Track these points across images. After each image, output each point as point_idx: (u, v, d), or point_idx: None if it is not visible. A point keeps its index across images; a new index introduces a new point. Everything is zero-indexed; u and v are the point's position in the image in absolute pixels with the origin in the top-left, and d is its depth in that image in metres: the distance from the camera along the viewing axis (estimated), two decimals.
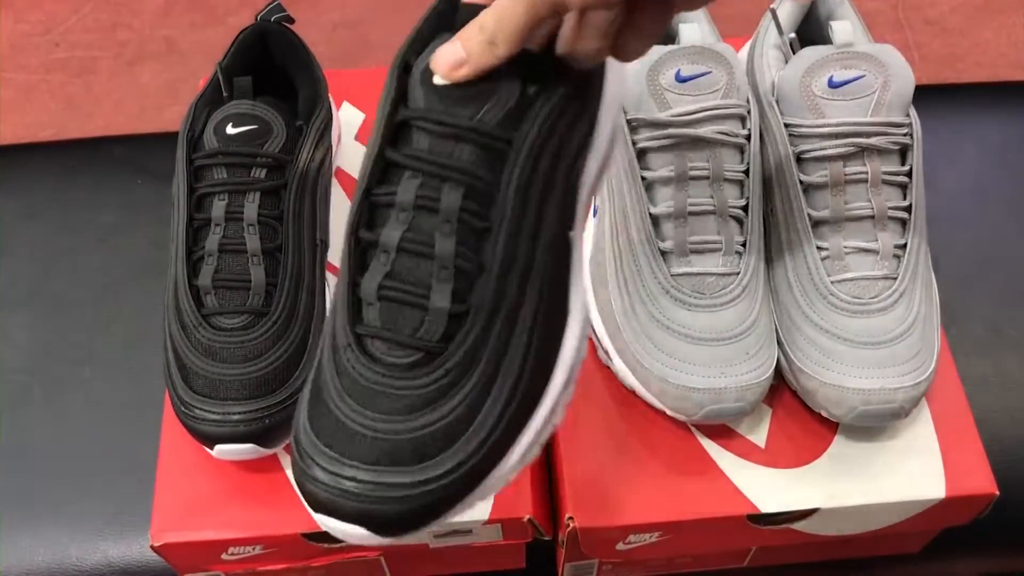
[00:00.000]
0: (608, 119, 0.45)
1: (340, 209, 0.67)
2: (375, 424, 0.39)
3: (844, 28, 0.60)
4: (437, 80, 0.41)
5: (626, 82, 0.50)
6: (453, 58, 0.40)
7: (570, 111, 0.42)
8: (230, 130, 0.58)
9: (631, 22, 0.38)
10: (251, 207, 0.57)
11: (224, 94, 0.61)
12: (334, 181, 0.67)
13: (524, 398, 0.41)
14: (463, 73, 0.40)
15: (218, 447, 0.54)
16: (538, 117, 0.41)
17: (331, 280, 0.64)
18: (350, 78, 0.74)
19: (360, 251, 0.42)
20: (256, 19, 0.63)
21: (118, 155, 0.80)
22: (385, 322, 0.41)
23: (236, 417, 0.53)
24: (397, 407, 0.39)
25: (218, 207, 0.57)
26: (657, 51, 0.59)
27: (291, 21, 0.63)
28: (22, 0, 1.47)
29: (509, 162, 0.41)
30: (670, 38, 0.65)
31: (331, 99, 0.67)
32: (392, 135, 0.42)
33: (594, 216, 0.61)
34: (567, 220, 0.43)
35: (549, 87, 0.42)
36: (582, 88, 0.43)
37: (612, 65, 0.45)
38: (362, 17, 1.43)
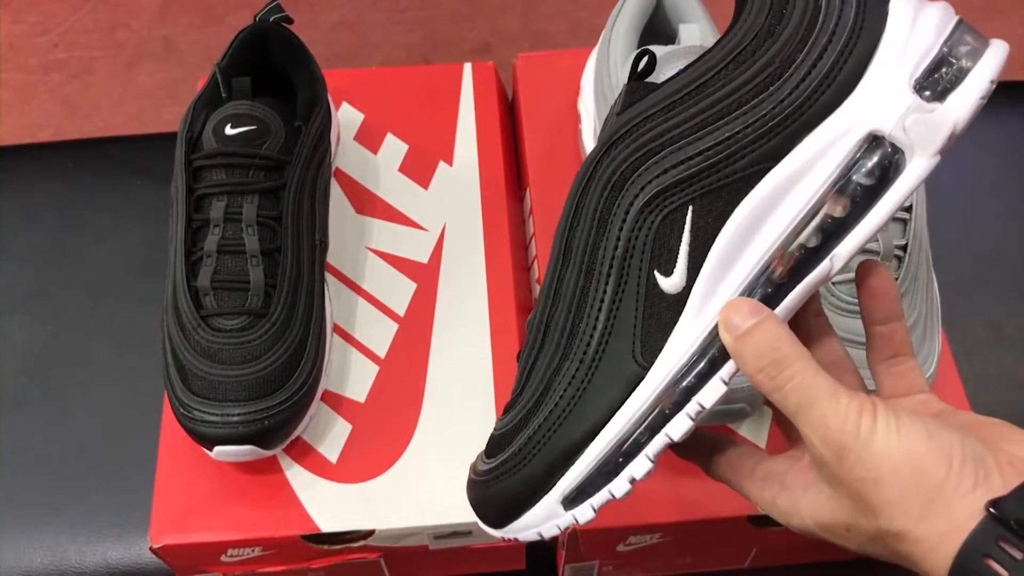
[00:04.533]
0: None
1: (339, 210, 0.67)
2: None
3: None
4: (726, 338, 0.38)
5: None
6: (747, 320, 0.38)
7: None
8: (229, 131, 0.58)
9: None
10: (250, 208, 0.57)
11: (223, 95, 0.60)
12: (333, 181, 0.67)
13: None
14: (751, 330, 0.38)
15: (217, 448, 0.54)
16: (597, 141, 0.41)
17: (330, 281, 0.64)
18: (349, 78, 0.73)
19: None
20: (255, 19, 0.62)
21: (116, 156, 0.80)
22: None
23: (235, 419, 0.53)
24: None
25: (217, 208, 0.57)
26: (656, 51, 0.59)
27: (290, 21, 0.63)
28: (20, 1, 1.47)
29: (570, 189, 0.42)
30: (670, 38, 0.65)
31: (330, 99, 0.66)
32: None
33: None
34: None
35: None
36: None
37: None
38: (362, 17, 1.43)
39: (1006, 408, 0.67)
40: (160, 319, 0.57)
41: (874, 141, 0.36)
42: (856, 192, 0.37)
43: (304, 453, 0.58)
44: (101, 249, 0.74)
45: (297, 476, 0.57)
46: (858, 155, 0.37)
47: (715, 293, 0.38)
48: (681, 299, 0.39)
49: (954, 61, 0.36)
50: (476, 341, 0.62)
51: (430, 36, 1.41)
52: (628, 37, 0.65)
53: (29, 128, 1.35)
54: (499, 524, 0.41)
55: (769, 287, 0.38)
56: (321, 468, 0.57)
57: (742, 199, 0.38)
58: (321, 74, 0.65)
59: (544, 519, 0.40)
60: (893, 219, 0.58)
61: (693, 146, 0.38)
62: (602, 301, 0.40)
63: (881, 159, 0.36)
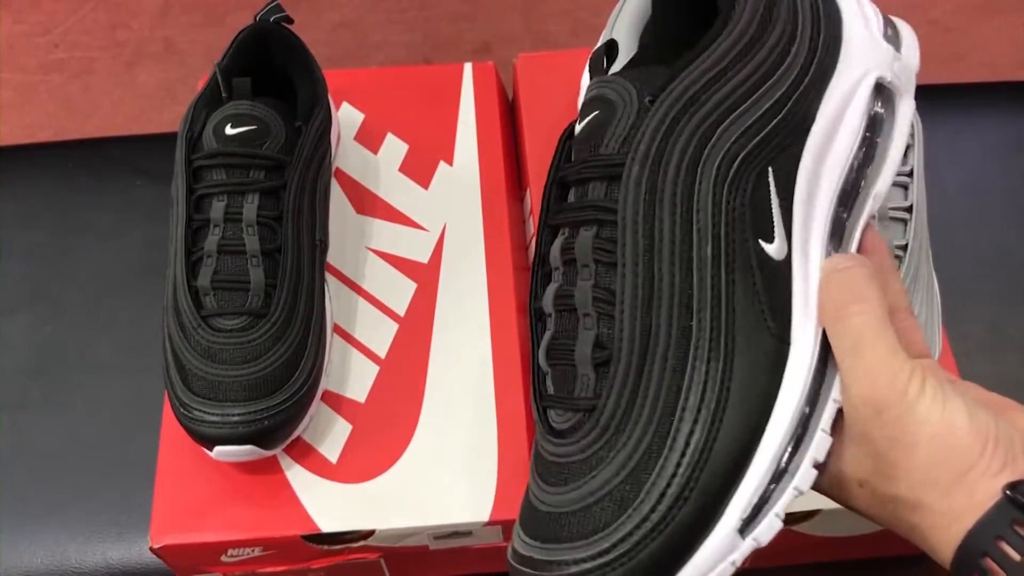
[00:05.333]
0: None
1: (339, 210, 0.67)
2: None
3: None
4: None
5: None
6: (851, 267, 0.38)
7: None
8: (229, 131, 0.58)
9: None
10: (250, 208, 0.57)
11: (223, 95, 0.60)
12: (333, 181, 0.67)
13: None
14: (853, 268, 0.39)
15: (217, 448, 0.54)
16: (644, 136, 0.38)
17: (330, 281, 0.64)
18: (350, 78, 0.73)
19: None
20: (255, 19, 0.62)
21: (117, 156, 0.80)
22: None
23: (235, 418, 0.53)
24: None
25: (217, 208, 0.57)
26: None
27: (290, 21, 0.63)
28: (20, 1, 1.47)
29: (621, 186, 0.38)
30: None
31: (330, 99, 0.66)
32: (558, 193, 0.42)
33: None
34: None
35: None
36: None
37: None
38: (362, 17, 1.43)
39: None
40: (160, 319, 0.57)
41: (878, 88, 0.40)
42: (876, 134, 0.40)
43: (304, 453, 0.58)
44: (101, 249, 0.74)
45: (297, 476, 0.57)
46: (873, 102, 0.40)
47: (808, 250, 0.38)
48: (787, 263, 0.38)
49: (889, 29, 0.42)
50: (476, 341, 0.62)
51: (430, 36, 1.41)
52: (628, 37, 0.65)
53: (29, 128, 1.35)
54: None
55: (836, 233, 0.39)
56: (321, 468, 0.57)
57: (802, 154, 0.38)
58: (321, 74, 0.65)
59: (715, 562, 0.34)
60: (893, 219, 0.58)
61: (757, 107, 0.38)
62: (713, 288, 0.36)
63: (885, 103, 0.40)
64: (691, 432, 0.35)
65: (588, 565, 0.34)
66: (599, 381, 0.37)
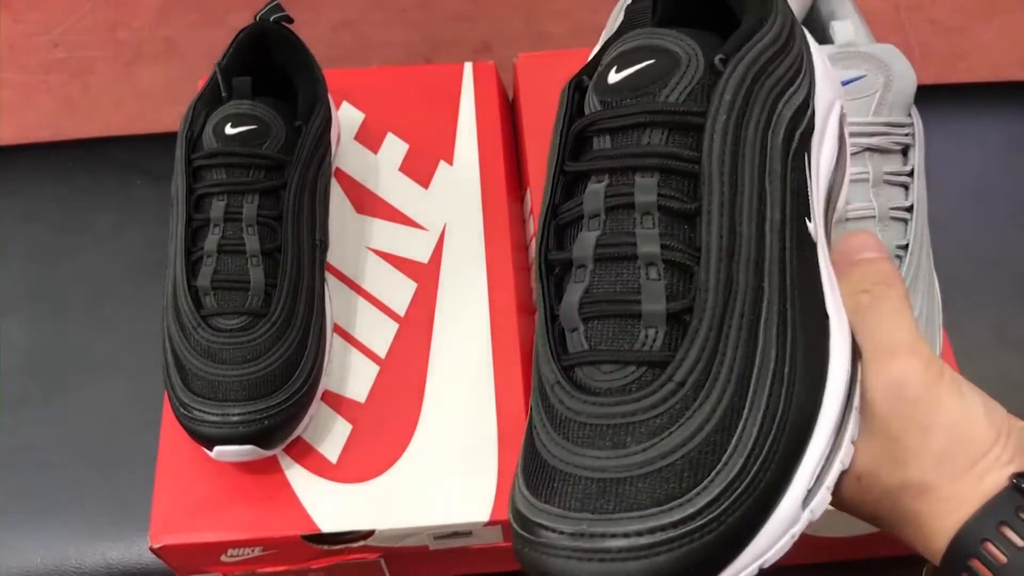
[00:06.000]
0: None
1: (339, 209, 0.67)
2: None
3: (845, 28, 0.60)
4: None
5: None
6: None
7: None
8: (229, 130, 0.58)
9: None
10: (250, 207, 0.57)
11: (223, 94, 0.60)
12: (333, 181, 0.67)
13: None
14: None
15: (217, 448, 0.54)
16: (726, 89, 0.36)
17: (330, 281, 0.64)
18: (349, 78, 0.73)
19: None
20: (255, 19, 0.62)
21: (117, 156, 0.80)
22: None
23: (235, 418, 0.53)
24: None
25: (217, 208, 0.57)
26: None
27: (290, 21, 0.63)
28: (21, 0, 1.47)
29: (706, 135, 0.36)
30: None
31: (330, 99, 0.66)
32: (573, 148, 0.39)
33: None
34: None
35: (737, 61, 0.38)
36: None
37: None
38: (362, 17, 1.43)
39: (1007, 408, 0.67)
40: (160, 319, 0.57)
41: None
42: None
43: (304, 453, 0.58)
44: (101, 249, 0.74)
45: (297, 476, 0.57)
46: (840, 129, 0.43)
47: (819, 231, 0.40)
48: (815, 242, 0.38)
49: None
50: (476, 341, 0.62)
51: (430, 36, 1.41)
52: None
53: (29, 128, 1.34)
54: None
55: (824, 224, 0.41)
56: (321, 468, 0.57)
57: (812, 139, 0.40)
58: (321, 74, 0.65)
59: (777, 536, 0.33)
60: (893, 219, 0.58)
61: (799, 93, 0.39)
62: (780, 251, 0.36)
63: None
64: (770, 394, 0.33)
65: (665, 535, 0.31)
66: (670, 335, 0.35)
